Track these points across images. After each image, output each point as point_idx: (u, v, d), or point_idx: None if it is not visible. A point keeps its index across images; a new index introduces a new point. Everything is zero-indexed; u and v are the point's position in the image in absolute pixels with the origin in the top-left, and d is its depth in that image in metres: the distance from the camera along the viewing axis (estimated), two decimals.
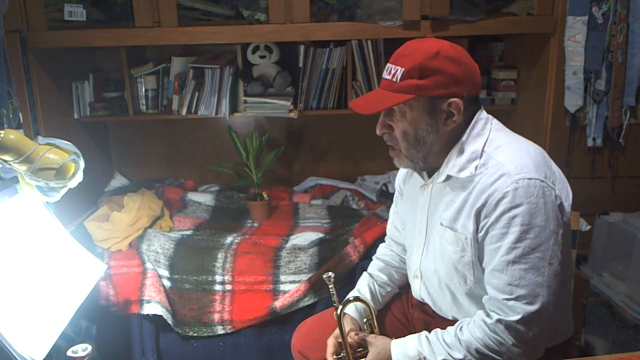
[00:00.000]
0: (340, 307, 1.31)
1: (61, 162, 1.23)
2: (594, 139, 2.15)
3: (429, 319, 1.37)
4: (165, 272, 1.94)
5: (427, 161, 1.23)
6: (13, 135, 1.18)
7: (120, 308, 1.80)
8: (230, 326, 1.84)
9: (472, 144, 1.18)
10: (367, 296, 1.44)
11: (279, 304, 1.85)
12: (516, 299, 1.09)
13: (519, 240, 1.08)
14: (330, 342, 1.35)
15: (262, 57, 2.35)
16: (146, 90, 2.39)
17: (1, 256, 1.17)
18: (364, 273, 1.52)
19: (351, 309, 1.41)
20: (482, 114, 1.21)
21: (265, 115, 2.52)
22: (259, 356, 1.86)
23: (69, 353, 1.26)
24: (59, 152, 1.25)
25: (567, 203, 1.18)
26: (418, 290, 1.38)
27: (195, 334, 1.83)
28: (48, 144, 1.24)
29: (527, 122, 2.26)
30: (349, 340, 1.32)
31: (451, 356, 1.14)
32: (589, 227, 2.06)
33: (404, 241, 1.46)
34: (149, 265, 1.92)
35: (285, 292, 1.88)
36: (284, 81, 2.34)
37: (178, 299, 1.88)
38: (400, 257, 1.51)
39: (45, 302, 1.24)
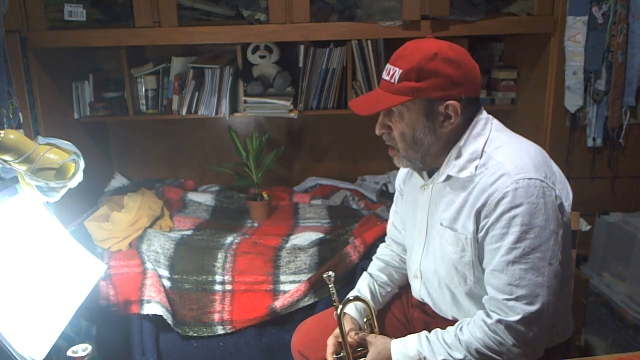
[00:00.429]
0: (340, 306, 1.32)
1: (61, 162, 1.23)
2: (594, 139, 2.15)
3: (429, 319, 1.37)
4: (165, 272, 1.94)
5: (425, 161, 1.23)
6: (13, 135, 1.18)
7: (120, 308, 1.80)
8: (230, 326, 1.84)
9: (472, 144, 1.18)
10: (367, 296, 1.43)
11: (279, 304, 1.85)
12: (516, 299, 1.09)
13: (519, 240, 1.08)
14: (330, 342, 1.35)
15: (262, 57, 2.35)
16: (146, 90, 2.39)
17: (1, 256, 1.17)
18: (364, 273, 1.52)
19: (351, 309, 1.41)
20: (482, 114, 1.21)
21: (265, 115, 2.52)
22: (259, 356, 1.86)
23: (69, 353, 1.26)
24: (59, 152, 1.25)
25: (567, 203, 1.18)
26: (418, 290, 1.38)
27: (195, 334, 1.83)
28: (48, 144, 1.24)
29: (527, 122, 2.26)
30: (349, 339, 1.32)
31: (451, 356, 1.14)
32: (589, 227, 2.06)
33: (404, 241, 1.46)
34: (149, 265, 1.92)
35: (285, 292, 1.88)
36: (284, 81, 2.34)
37: (178, 299, 1.88)
38: (400, 257, 1.51)
39: (45, 302, 1.24)
